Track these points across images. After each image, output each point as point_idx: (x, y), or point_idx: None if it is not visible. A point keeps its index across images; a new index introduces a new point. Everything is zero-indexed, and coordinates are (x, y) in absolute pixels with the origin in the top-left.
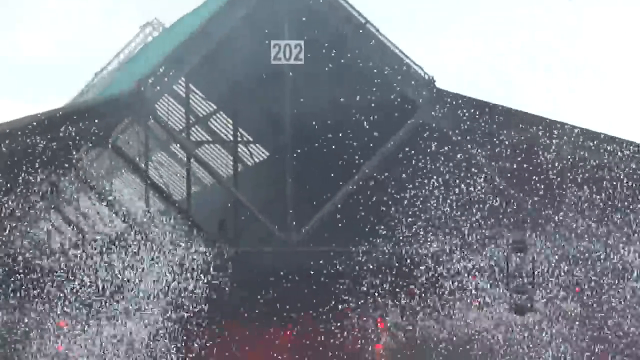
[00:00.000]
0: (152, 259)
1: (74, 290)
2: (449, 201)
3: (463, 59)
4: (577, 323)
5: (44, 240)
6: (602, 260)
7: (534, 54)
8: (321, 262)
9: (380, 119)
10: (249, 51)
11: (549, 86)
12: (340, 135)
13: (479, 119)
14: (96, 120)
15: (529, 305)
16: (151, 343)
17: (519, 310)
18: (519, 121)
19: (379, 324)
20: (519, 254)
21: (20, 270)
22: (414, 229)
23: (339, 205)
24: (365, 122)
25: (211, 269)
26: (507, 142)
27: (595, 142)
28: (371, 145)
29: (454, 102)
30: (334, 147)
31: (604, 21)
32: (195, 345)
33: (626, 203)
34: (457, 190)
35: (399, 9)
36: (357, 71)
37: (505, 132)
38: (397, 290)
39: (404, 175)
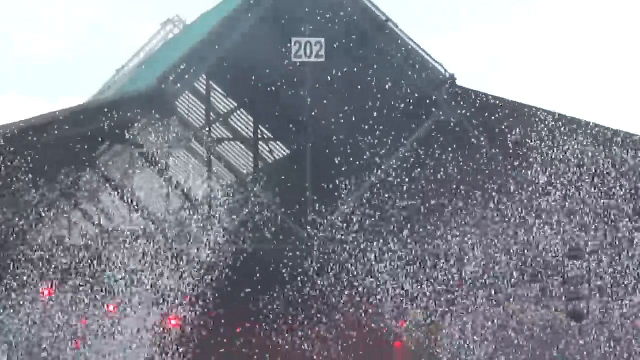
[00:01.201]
0: (172, 255)
1: (92, 286)
2: (470, 198)
3: (473, 55)
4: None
5: (65, 236)
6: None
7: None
8: (341, 258)
9: (400, 117)
10: (269, 49)
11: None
12: (360, 132)
13: (499, 116)
14: (117, 117)
15: (585, 311)
16: (168, 338)
17: (575, 317)
18: (539, 118)
19: (399, 323)
20: (574, 260)
21: (40, 266)
22: (434, 227)
23: (359, 202)
24: (385, 120)
25: (231, 265)
26: (526, 140)
27: (614, 139)
28: (391, 142)
29: (474, 100)
30: (354, 144)
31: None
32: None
33: None
34: (478, 187)
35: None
36: (377, 69)
37: (525, 129)
38: (420, 289)
39: (424, 172)
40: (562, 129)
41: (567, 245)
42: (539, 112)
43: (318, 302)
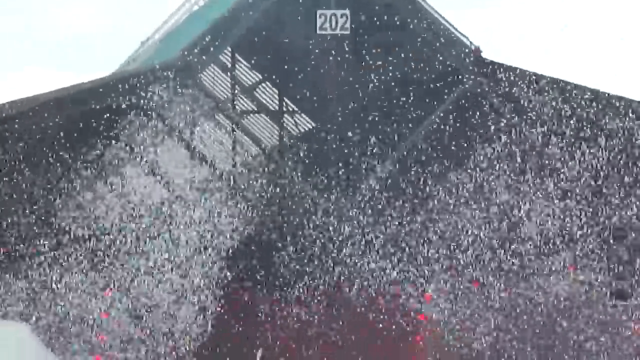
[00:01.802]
0: (197, 228)
1: (119, 259)
2: (497, 172)
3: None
4: None
5: (90, 210)
6: None
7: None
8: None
9: (425, 90)
10: (294, 21)
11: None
12: (385, 105)
13: (525, 89)
14: (141, 90)
15: (629, 291)
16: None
17: (620, 296)
18: (566, 92)
19: (424, 295)
20: (619, 239)
21: (66, 240)
22: (461, 202)
23: (384, 176)
24: (410, 92)
25: (255, 239)
26: (556, 114)
27: None
28: (417, 115)
29: (500, 72)
30: (378, 117)
31: None
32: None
33: None
34: (505, 161)
35: None
36: (402, 41)
37: (554, 103)
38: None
39: (450, 145)
40: (596, 104)
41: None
42: (568, 86)
43: (340, 273)
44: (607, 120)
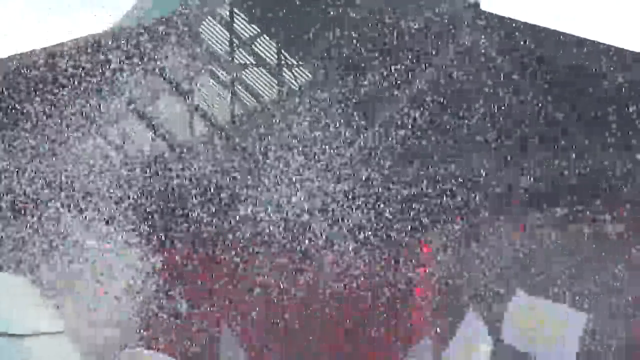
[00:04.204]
0: (195, 181)
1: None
2: (493, 129)
3: None
4: None
5: (86, 161)
6: None
7: None
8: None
9: (420, 43)
10: None
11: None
12: (381, 58)
13: (526, 43)
14: (139, 43)
15: None
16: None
17: None
18: (569, 46)
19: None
20: None
21: (63, 191)
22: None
23: (379, 132)
24: (406, 45)
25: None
26: (558, 68)
27: None
28: (411, 69)
29: (498, 25)
30: (374, 72)
31: None
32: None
33: None
34: (501, 117)
35: None
36: None
37: (555, 57)
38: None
39: (446, 99)
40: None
41: None
42: (568, 39)
43: None
44: (613, 75)
